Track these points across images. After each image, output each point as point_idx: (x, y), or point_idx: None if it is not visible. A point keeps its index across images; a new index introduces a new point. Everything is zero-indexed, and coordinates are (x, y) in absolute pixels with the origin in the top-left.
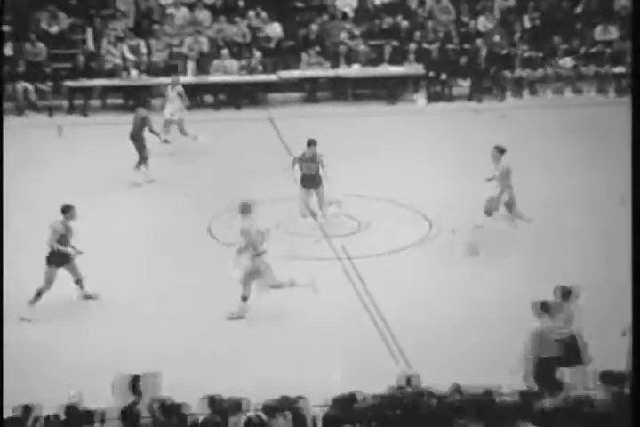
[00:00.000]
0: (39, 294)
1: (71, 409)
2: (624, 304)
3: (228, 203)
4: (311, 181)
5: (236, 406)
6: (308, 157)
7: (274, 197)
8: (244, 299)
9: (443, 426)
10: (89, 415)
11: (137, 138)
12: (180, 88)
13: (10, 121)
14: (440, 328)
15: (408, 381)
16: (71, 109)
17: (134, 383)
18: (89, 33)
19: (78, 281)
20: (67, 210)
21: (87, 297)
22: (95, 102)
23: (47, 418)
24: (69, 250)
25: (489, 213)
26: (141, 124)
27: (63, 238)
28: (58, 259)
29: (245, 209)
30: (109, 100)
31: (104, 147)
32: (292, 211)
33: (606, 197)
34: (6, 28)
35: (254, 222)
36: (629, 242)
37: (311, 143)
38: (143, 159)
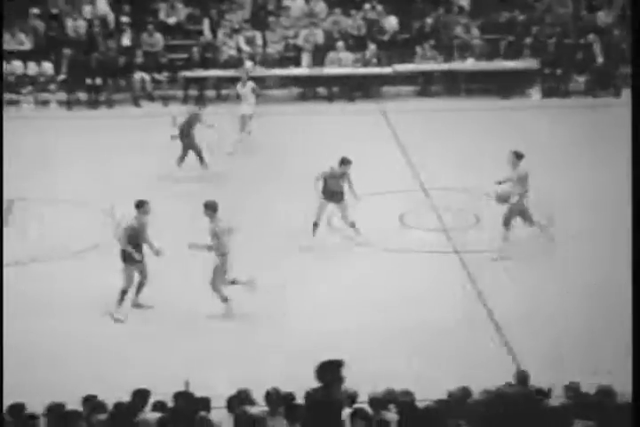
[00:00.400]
0: (124, 293)
1: (183, 396)
2: (625, 304)
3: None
4: (336, 196)
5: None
6: (338, 173)
7: (388, 190)
8: (225, 300)
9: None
10: (205, 401)
11: (186, 135)
12: (252, 84)
13: (126, 111)
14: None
15: (522, 378)
16: (186, 99)
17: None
18: (205, 24)
19: (140, 285)
20: (140, 205)
21: (137, 305)
22: (210, 93)
23: (155, 404)
24: (134, 251)
25: (507, 223)
26: (193, 121)
27: (136, 235)
28: (131, 257)
29: (212, 209)
30: (224, 91)
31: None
32: (408, 204)
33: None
34: (125, 18)
35: (220, 222)
36: (629, 242)
37: (345, 162)
38: (186, 155)
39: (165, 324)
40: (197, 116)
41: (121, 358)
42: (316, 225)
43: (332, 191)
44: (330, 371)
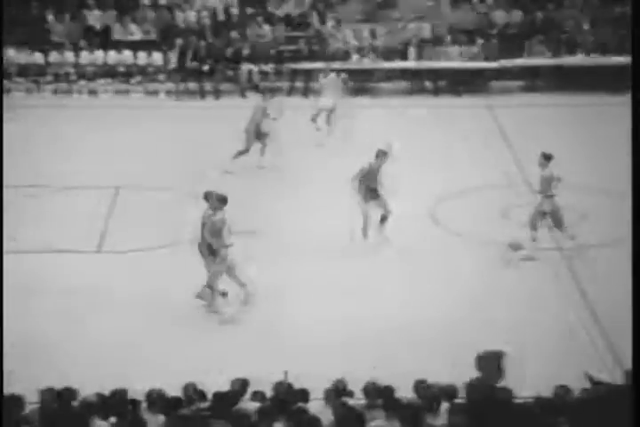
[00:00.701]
0: (209, 289)
1: (283, 386)
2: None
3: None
4: (373, 192)
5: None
6: (375, 168)
7: (492, 184)
8: (225, 294)
9: None
10: (303, 393)
11: (253, 129)
12: (334, 76)
13: (233, 101)
14: None
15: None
16: (291, 91)
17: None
18: (314, 16)
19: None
20: (209, 197)
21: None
22: (316, 85)
23: (254, 394)
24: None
25: (533, 226)
26: (261, 115)
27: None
28: (206, 250)
29: (222, 202)
30: None
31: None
32: (511, 199)
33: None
34: (234, 9)
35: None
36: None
37: (381, 154)
38: (248, 150)
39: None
40: (265, 108)
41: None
42: (364, 231)
43: (369, 188)
44: (491, 361)
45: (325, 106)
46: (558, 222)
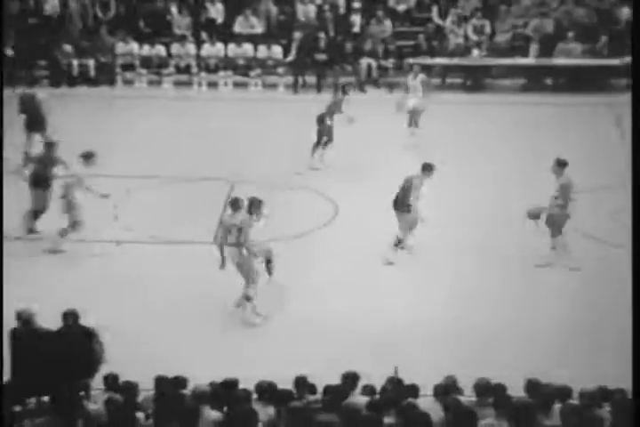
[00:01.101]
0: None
1: (395, 381)
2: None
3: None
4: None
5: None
6: (413, 183)
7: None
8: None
9: None
10: (413, 388)
11: (323, 121)
12: (423, 77)
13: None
14: None
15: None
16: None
17: None
18: (434, 11)
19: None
20: (426, 168)
21: None
22: (435, 81)
23: (364, 388)
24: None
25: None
26: (334, 107)
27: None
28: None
29: (237, 206)
30: (448, 80)
31: (439, 126)
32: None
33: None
34: (356, 4)
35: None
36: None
37: (427, 169)
38: (320, 143)
39: None
40: (339, 103)
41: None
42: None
43: (399, 202)
44: None
45: (415, 108)
46: (558, 230)
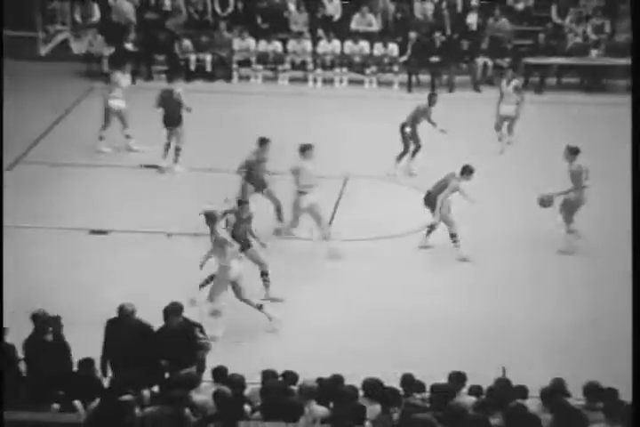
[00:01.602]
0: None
1: (501, 382)
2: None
3: None
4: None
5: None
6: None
7: None
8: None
9: None
10: (522, 390)
11: (408, 128)
12: (517, 82)
13: (466, 95)
14: None
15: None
16: (526, 86)
17: None
18: (554, 10)
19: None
20: (465, 170)
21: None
22: (550, 80)
23: (471, 388)
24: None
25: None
26: (418, 115)
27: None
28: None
29: (212, 219)
30: (564, 80)
31: (553, 126)
32: None
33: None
34: (474, 2)
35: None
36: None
37: (468, 171)
38: (407, 152)
39: None
40: (426, 110)
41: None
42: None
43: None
44: None
45: (508, 114)
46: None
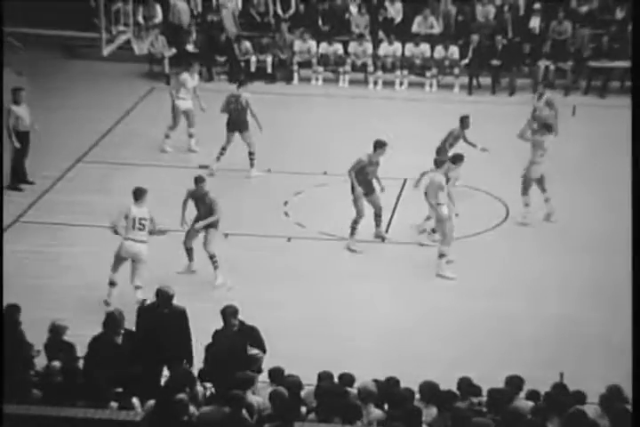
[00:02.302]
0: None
1: (560, 387)
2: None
3: None
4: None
5: None
6: (373, 161)
7: None
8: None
9: None
10: (580, 395)
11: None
12: (550, 96)
13: (525, 98)
14: None
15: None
16: (587, 90)
17: None
18: (617, 13)
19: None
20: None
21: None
22: (614, 84)
23: (529, 393)
24: None
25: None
26: (453, 139)
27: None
28: None
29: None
30: (628, 83)
31: (614, 128)
32: None
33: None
34: (537, 5)
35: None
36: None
37: (380, 146)
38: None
39: None
40: (459, 134)
41: None
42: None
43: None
44: None
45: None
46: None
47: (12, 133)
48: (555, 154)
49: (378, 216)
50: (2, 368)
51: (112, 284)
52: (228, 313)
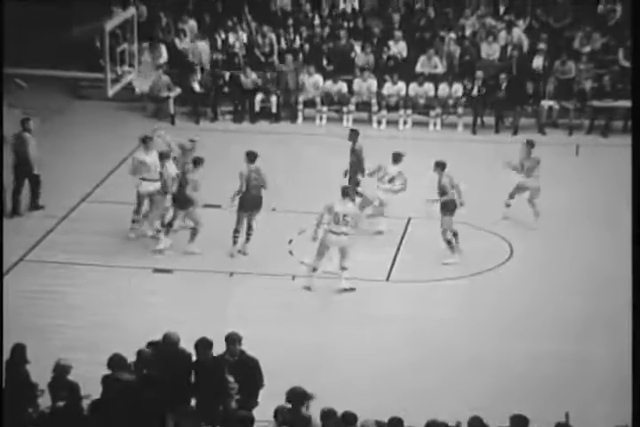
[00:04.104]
0: None
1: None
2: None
3: None
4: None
5: None
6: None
7: None
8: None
9: None
10: None
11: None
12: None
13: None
14: None
15: None
16: (591, 129)
17: None
18: (621, 53)
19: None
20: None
21: None
22: (617, 124)
23: None
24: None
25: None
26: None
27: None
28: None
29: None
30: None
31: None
32: None
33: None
34: (541, 45)
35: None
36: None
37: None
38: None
39: None
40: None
41: None
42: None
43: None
44: None
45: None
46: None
47: (31, 161)
48: (557, 194)
49: None
50: (2, 408)
51: (314, 269)
52: (231, 340)
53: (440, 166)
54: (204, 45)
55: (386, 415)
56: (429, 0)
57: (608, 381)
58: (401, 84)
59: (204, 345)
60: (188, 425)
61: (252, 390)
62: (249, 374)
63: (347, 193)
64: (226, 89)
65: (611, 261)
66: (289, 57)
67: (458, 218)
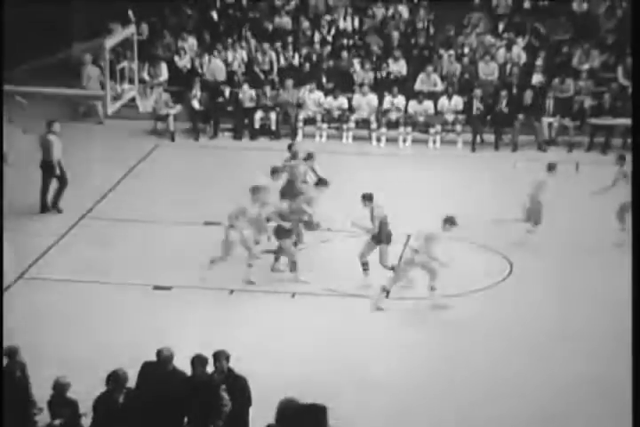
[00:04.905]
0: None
1: None
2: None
3: None
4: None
5: None
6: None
7: None
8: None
9: None
10: None
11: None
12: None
13: (528, 154)
14: None
15: None
16: (591, 147)
17: None
18: (620, 71)
19: None
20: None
21: None
22: (616, 141)
23: None
24: None
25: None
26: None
27: None
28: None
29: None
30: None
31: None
32: None
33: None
34: (539, 61)
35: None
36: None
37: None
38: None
39: None
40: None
41: None
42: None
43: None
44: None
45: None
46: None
47: (55, 164)
48: (557, 213)
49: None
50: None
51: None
52: (218, 357)
53: (367, 198)
54: (219, 63)
55: None
56: (429, 18)
57: (614, 401)
58: (400, 98)
59: (200, 361)
60: None
61: (241, 408)
62: (239, 391)
63: None
64: (226, 107)
65: (612, 279)
66: (289, 82)
67: (458, 235)
